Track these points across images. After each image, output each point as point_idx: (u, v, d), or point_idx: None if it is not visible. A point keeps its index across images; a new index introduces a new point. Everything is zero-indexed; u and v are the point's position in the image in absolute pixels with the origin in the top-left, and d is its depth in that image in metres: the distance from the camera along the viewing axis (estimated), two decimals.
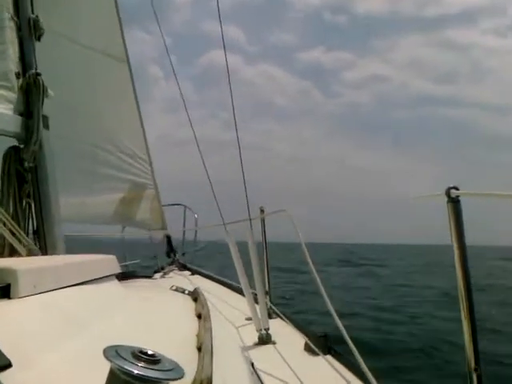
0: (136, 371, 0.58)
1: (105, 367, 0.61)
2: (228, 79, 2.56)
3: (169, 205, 5.68)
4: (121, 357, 0.60)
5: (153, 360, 0.62)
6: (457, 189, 1.21)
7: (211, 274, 4.68)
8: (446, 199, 1.22)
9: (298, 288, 11.06)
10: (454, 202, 1.22)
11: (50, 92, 2.21)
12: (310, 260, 2.08)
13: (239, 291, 3.17)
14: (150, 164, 4.72)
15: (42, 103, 2.19)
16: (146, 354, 0.63)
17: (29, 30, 2.20)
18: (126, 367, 0.58)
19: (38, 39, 2.25)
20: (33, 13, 2.23)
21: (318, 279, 1.97)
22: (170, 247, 5.55)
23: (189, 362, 0.85)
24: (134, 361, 0.61)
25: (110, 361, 0.59)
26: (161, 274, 4.76)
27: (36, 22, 2.22)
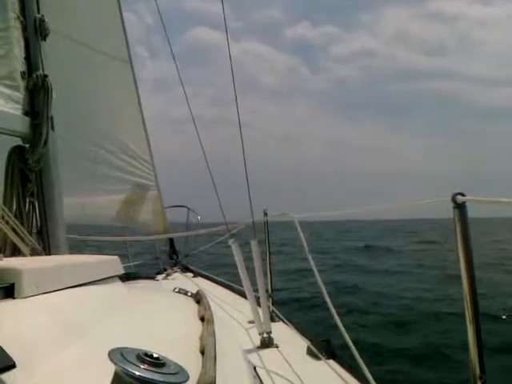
0: (141, 374, 0.58)
1: (109, 369, 0.61)
2: (231, 67, 2.52)
3: (172, 206, 5.69)
4: (126, 359, 0.59)
5: (158, 363, 0.62)
6: (463, 195, 1.21)
7: (213, 276, 4.68)
8: (452, 205, 1.22)
9: None
10: (460, 208, 1.22)
11: (54, 96, 2.21)
12: (314, 266, 2.07)
13: (242, 294, 3.16)
14: (153, 165, 4.71)
15: (50, 105, 2.20)
16: (151, 356, 0.62)
17: (34, 30, 2.21)
18: (131, 370, 0.57)
19: (44, 39, 2.25)
20: (38, 13, 2.24)
21: (323, 287, 1.96)
22: (173, 249, 5.55)
23: (192, 366, 0.84)
24: (139, 364, 0.60)
25: (115, 363, 0.58)
26: (163, 275, 4.76)
27: (42, 21, 2.22)
